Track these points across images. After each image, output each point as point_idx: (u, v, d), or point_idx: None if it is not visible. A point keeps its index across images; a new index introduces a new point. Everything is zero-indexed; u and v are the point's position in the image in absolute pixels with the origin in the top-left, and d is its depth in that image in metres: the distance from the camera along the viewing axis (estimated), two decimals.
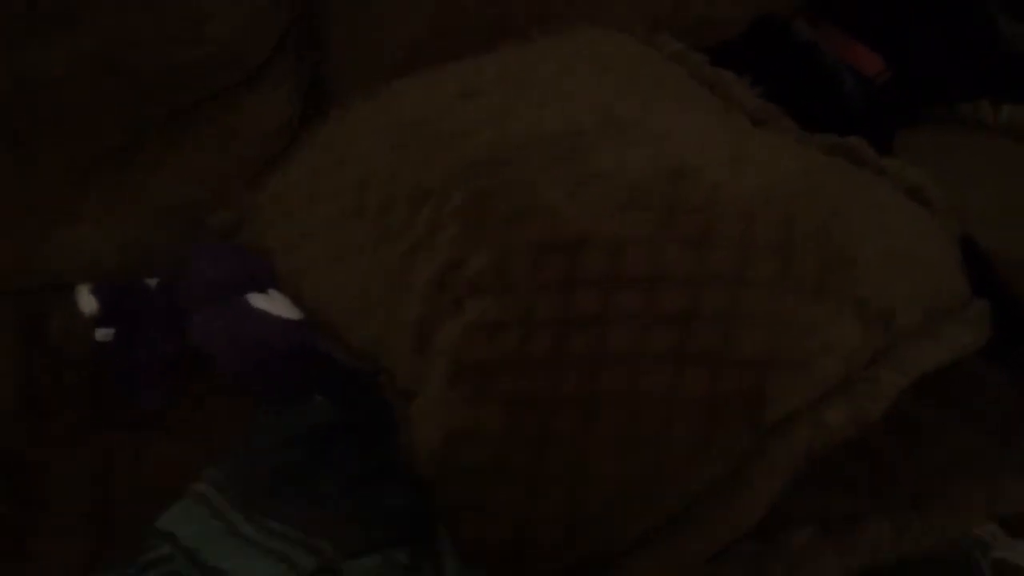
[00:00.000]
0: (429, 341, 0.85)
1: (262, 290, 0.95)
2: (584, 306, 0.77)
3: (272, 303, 0.94)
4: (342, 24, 1.19)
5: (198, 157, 1.10)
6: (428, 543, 0.80)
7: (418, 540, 0.80)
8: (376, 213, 0.91)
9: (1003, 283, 0.91)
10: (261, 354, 0.93)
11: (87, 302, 0.97)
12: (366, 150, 0.96)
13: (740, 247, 0.78)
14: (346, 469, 0.85)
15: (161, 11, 1.02)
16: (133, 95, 1.04)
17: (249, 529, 0.78)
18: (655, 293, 0.77)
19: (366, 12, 1.19)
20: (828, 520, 0.79)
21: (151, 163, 1.08)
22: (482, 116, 0.93)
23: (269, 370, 0.93)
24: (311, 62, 1.15)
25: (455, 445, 0.80)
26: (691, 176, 0.82)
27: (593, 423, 0.75)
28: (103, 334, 0.97)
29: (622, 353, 0.76)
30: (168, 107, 1.07)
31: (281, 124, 1.13)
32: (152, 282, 0.98)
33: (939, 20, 1.19)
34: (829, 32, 1.21)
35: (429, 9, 1.20)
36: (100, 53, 1.00)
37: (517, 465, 0.77)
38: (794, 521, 0.79)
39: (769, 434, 0.74)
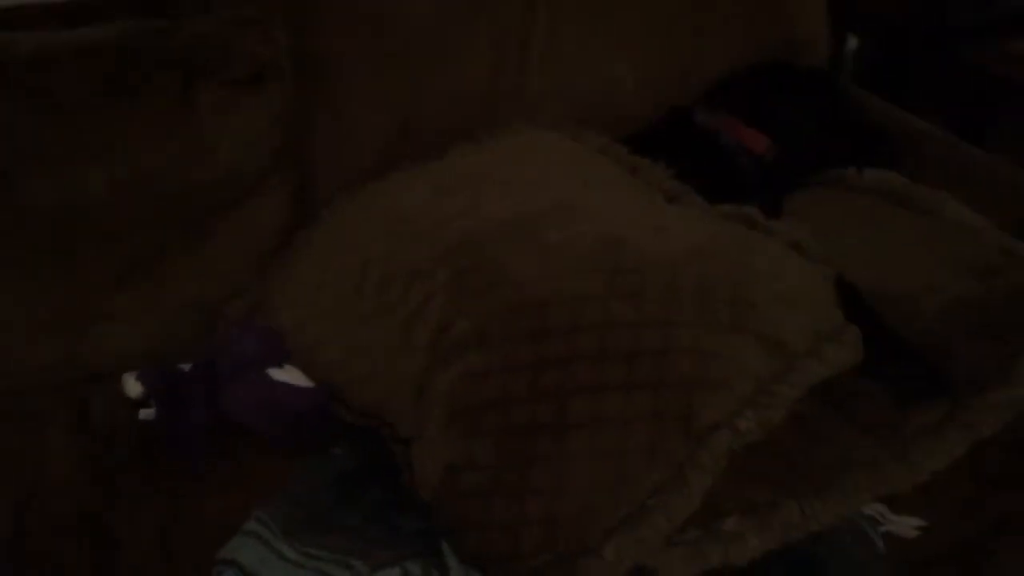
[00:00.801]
0: (425, 393, 1.05)
1: (280, 365, 1.16)
2: (551, 352, 1.00)
3: (290, 374, 1.14)
4: (324, 139, 1.40)
5: (212, 258, 1.29)
6: (437, 556, 1.00)
7: (428, 554, 1.00)
8: (375, 292, 1.12)
9: (871, 311, 1.15)
10: (286, 417, 1.12)
11: (132, 387, 1.15)
12: (361, 242, 1.17)
13: (667, 298, 1.01)
14: (366, 504, 1.05)
15: (179, 143, 1.23)
16: (157, 211, 1.24)
17: (293, 554, 0.97)
18: (606, 338, 0.99)
19: (343, 127, 1.41)
20: (750, 508, 1.01)
21: (173, 266, 1.27)
22: (454, 210, 1.16)
23: (293, 430, 1.12)
24: (300, 171, 1.37)
25: (454, 475, 1.01)
26: (625, 245, 1.05)
27: (565, 444, 0.97)
28: (146, 414, 1.16)
29: (583, 386, 0.98)
30: (186, 218, 1.27)
31: (279, 226, 1.34)
32: (186, 366, 1.17)
33: (811, 105, 1.45)
34: (724, 119, 1.47)
35: (396, 121, 1.43)
36: (130, 179, 1.20)
37: (506, 485, 0.98)
38: (724, 511, 1.01)
39: (698, 442, 0.97)
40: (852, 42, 1.88)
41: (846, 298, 1.14)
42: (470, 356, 1.02)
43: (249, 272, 1.30)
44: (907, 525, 1.09)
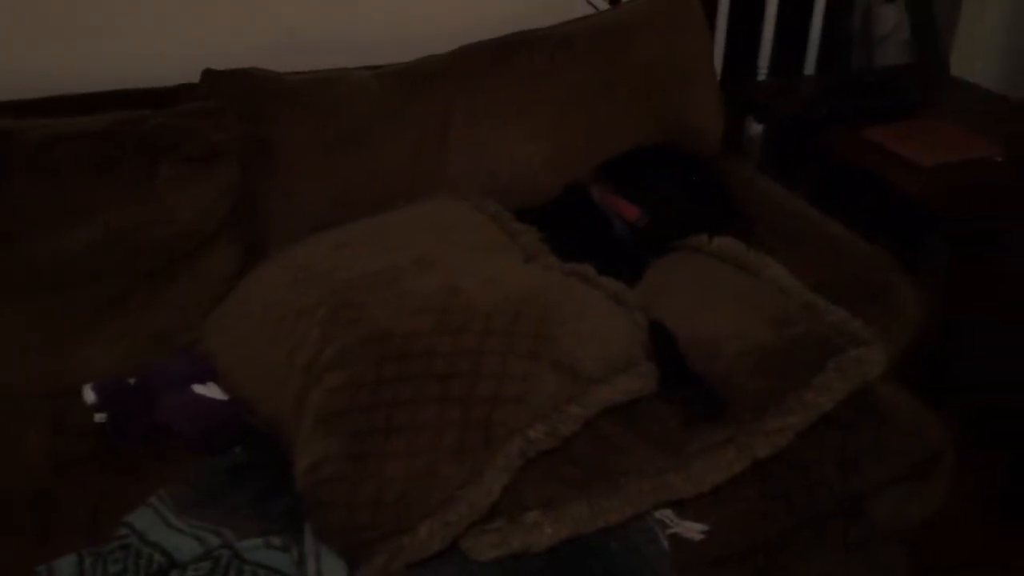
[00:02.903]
0: (303, 404, 1.34)
1: (203, 382, 1.46)
2: (387, 374, 1.27)
3: (211, 390, 1.44)
4: (274, 207, 1.72)
5: (171, 299, 1.61)
6: (300, 533, 1.27)
7: (293, 532, 1.27)
8: (273, 327, 1.42)
9: (676, 350, 1.38)
10: (205, 423, 1.42)
11: (88, 395, 1.46)
12: (270, 287, 1.48)
13: (482, 333, 1.28)
14: (251, 490, 1.33)
15: (145, 208, 1.56)
16: (127, 261, 1.57)
17: (178, 523, 1.26)
18: (429, 363, 1.26)
19: (289, 199, 1.73)
20: (549, 504, 1.25)
21: (139, 305, 1.59)
22: (345, 261, 1.45)
23: (210, 434, 1.41)
24: (251, 231, 1.69)
25: (315, 468, 1.28)
26: (459, 292, 1.33)
27: (390, 444, 1.23)
28: (100, 417, 1.47)
29: (407, 400, 1.25)
30: (151, 268, 1.60)
31: (230, 273, 1.65)
32: (132, 380, 1.48)
33: (679, 182, 1.72)
34: (606, 192, 1.74)
35: (335, 194, 1.75)
36: (106, 236, 1.54)
37: (348, 475, 1.24)
38: (528, 505, 1.25)
39: (495, 447, 1.22)
40: (755, 128, 2.13)
41: (658, 339, 1.39)
42: (332, 375, 1.30)
43: (202, 311, 1.61)
44: (693, 529, 1.31)
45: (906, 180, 1.63)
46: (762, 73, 2.60)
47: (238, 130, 1.63)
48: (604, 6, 2.17)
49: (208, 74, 1.76)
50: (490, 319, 1.29)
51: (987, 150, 1.72)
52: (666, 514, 1.30)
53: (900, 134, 1.76)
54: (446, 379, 1.25)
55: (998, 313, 1.65)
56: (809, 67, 2.69)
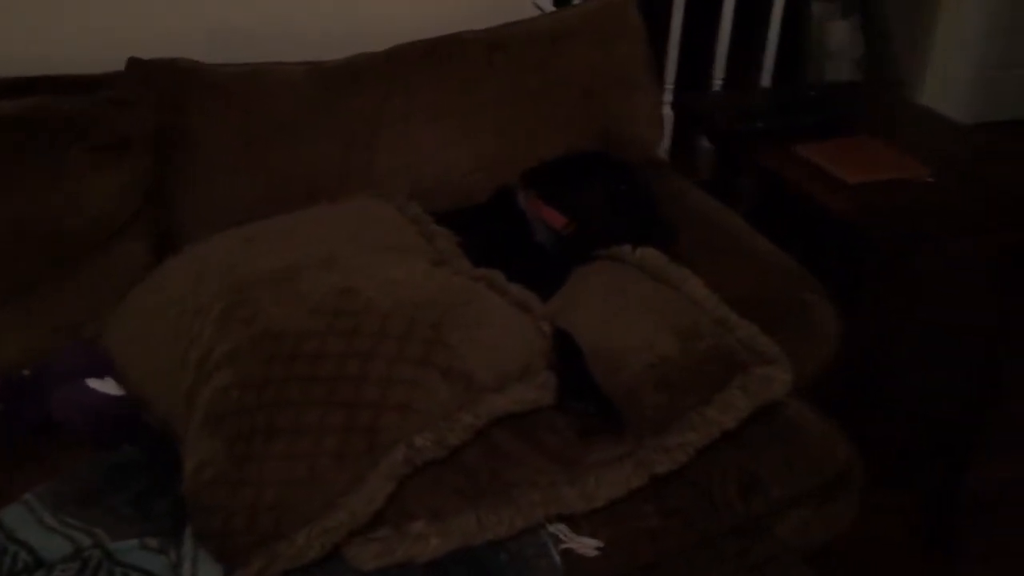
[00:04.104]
0: (193, 403, 1.30)
1: (100, 376, 1.42)
2: (275, 374, 1.23)
3: (106, 385, 1.41)
4: (193, 200, 1.69)
5: (79, 290, 1.57)
6: (180, 535, 1.23)
7: (173, 534, 1.23)
8: (172, 323, 1.38)
9: (580, 361, 1.35)
10: (96, 418, 1.38)
11: None
12: (174, 280, 1.44)
13: (375, 336, 1.25)
14: (131, 490, 1.29)
15: (53, 195, 1.52)
16: (32, 249, 1.54)
17: (51, 521, 1.22)
18: (317, 365, 1.23)
19: (210, 192, 1.70)
20: (436, 515, 1.22)
21: (47, 295, 1.55)
22: (250, 257, 1.42)
23: (101, 429, 1.38)
24: (166, 223, 1.65)
25: (199, 470, 1.24)
26: (354, 293, 1.30)
27: (271, 447, 1.20)
28: None
29: (292, 401, 1.21)
30: (60, 256, 1.56)
31: (141, 266, 1.61)
32: (26, 371, 1.44)
33: (606, 190, 1.69)
34: (532, 198, 1.71)
35: (259, 189, 1.71)
36: (14, 224, 1.50)
37: (228, 477, 1.20)
38: (414, 515, 1.21)
39: (379, 454, 1.19)
40: (704, 143, 2.11)
41: (563, 348, 1.36)
42: (221, 374, 1.27)
43: (109, 304, 1.57)
44: (588, 545, 1.28)
45: (830, 197, 1.61)
46: (716, 84, 2.59)
47: (152, 120, 1.60)
48: (550, 8, 2.15)
49: (133, 62, 1.72)
50: (385, 322, 1.26)
51: (918, 170, 1.69)
52: (560, 528, 1.27)
53: (831, 151, 1.73)
54: (333, 382, 1.22)
55: (919, 332, 1.63)
56: (765, 79, 2.69)
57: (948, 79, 2.80)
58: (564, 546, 1.27)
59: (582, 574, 1.26)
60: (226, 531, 1.19)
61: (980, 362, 1.79)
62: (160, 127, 1.68)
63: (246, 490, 1.19)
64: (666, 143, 2.51)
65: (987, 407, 1.84)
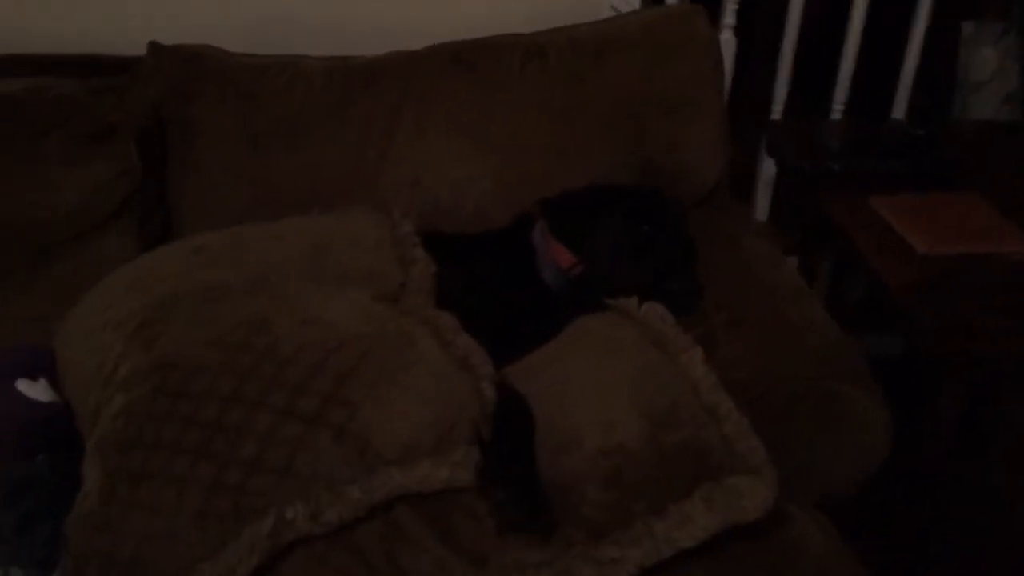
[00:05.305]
0: (96, 422, 1.18)
1: (35, 378, 1.33)
2: (158, 409, 1.09)
3: (32, 388, 1.31)
4: (189, 195, 1.59)
5: (54, 285, 1.50)
6: (48, 570, 1.12)
7: (48, 565, 1.12)
8: (99, 332, 1.27)
9: (527, 440, 1.13)
10: (16, 423, 1.29)
11: None
12: (115, 286, 1.33)
13: (267, 382, 1.08)
14: (21, 511, 1.19)
15: (30, 184, 1.46)
16: (8, 241, 1.48)
17: None
18: (200, 406, 1.08)
19: (206, 188, 1.59)
20: None
21: (19, 288, 1.50)
22: (189, 267, 1.29)
23: (18, 436, 1.29)
24: (154, 219, 1.56)
25: (82, 499, 1.12)
26: (265, 328, 1.13)
27: (138, 491, 1.05)
28: None
29: (166, 444, 1.06)
30: (33, 249, 1.49)
31: (123, 262, 1.53)
32: None
33: (623, 231, 1.44)
34: (543, 231, 1.49)
35: (256, 191, 1.59)
36: None
37: (94, 517, 1.07)
38: None
39: (246, 518, 1.02)
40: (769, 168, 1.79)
41: (504, 419, 1.14)
42: (117, 399, 1.14)
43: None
44: None
45: (890, 268, 1.28)
46: (836, 112, 2.25)
47: (141, 109, 1.50)
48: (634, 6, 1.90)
49: (153, 47, 1.64)
50: (285, 367, 1.09)
51: (1018, 244, 1.33)
52: None
53: (912, 208, 1.40)
54: (210, 429, 1.06)
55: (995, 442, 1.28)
56: (899, 111, 2.32)
57: None
58: None
59: None
60: (104, 569, 1.06)
61: None
62: (169, 117, 1.59)
63: (106, 536, 1.05)
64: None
65: None
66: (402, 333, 1.17)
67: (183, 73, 1.60)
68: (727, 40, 2.02)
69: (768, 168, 2.16)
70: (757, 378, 1.25)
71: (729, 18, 2.06)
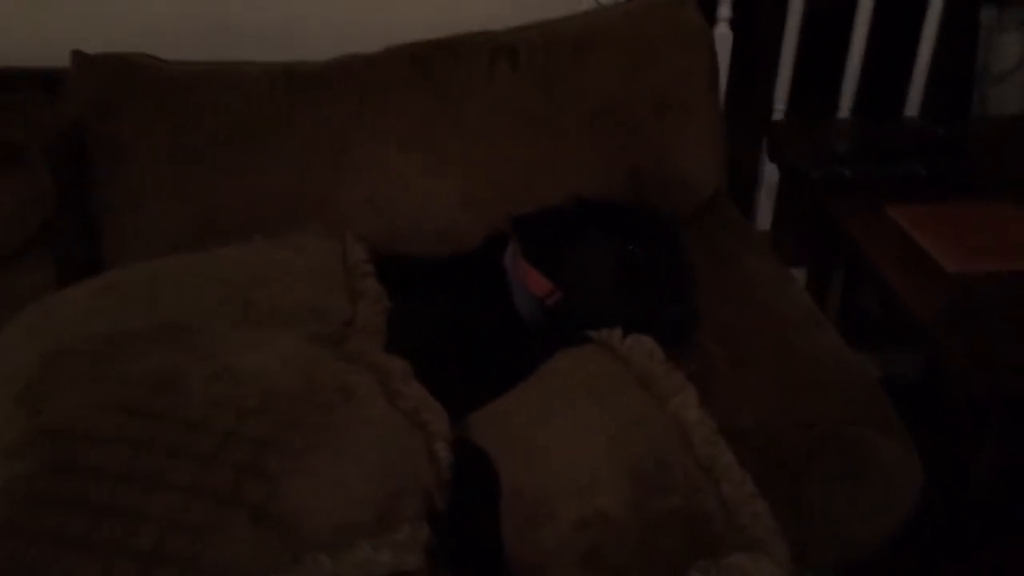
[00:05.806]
0: None
1: None
2: (39, 488, 0.90)
3: None
4: (119, 224, 1.41)
5: None
6: None
7: None
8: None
9: (491, 510, 0.95)
10: None
11: None
12: (14, 331, 1.13)
13: (170, 452, 0.89)
14: None
15: None
16: None
17: None
18: (90, 485, 0.89)
19: (139, 215, 1.41)
20: None
21: None
22: (92, 311, 1.10)
23: None
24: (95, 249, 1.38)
25: None
26: (172, 387, 0.95)
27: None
28: None
29: (45, 533, 0.87)
30: None
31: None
32: None
33: (606, 258, 1.25)
34: (517, 255, 1.30)
35: (197, 215, 1.41)
36: None
37: None
38: None
39: None
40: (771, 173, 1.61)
41: (463, 485, 0.96)
42: (2, 468, 0.96)
43: None
44: None
45: (915, 288, 1.09)
46: (844, 111, 2.06)
47: (53, 129, 1.32)
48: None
49: (77, 56, 1.46)
50: (194, 432, 0.90)
51: None
52: None
53: (937, 218, 1.21)
54: (100, 514, 0.87)
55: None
56: (912, 108, 2.13)
57: None
58: None
59: None
60: None
61: None
62: (92, 134, 1.41)
63: None
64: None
65: None
66: (339, 386, 0.98)
67: (108, 84, 1.42)
68: (723, 34, 1.84)
69: (770, 173, 1.99)
70: (764, 424, 1.06)
71: (725, 10, 1.88)
